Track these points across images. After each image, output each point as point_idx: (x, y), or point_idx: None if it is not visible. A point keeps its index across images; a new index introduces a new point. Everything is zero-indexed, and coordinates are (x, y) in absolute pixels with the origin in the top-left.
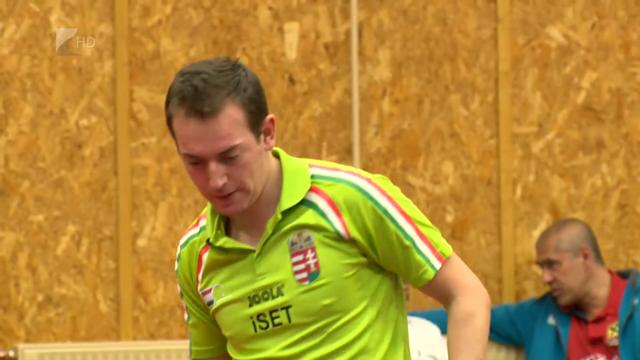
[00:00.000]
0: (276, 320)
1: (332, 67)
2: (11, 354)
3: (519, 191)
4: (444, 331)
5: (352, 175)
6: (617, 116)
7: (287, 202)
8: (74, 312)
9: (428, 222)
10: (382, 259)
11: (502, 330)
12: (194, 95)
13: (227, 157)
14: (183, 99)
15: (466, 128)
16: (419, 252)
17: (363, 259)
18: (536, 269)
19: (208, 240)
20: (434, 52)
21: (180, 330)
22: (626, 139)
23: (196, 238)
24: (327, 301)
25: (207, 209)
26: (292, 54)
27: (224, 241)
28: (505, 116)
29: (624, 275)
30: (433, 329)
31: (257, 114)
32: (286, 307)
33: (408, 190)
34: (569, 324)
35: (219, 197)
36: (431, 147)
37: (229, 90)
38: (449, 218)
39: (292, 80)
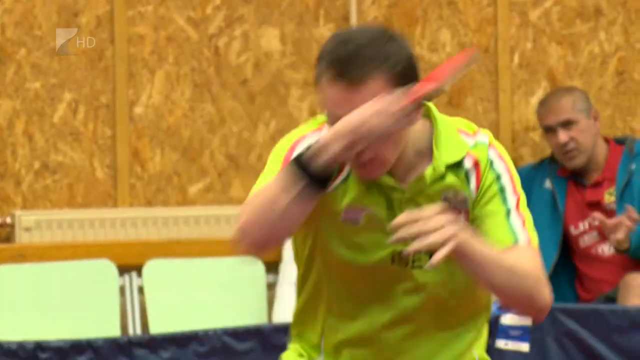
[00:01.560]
0: (416, 263)
1: None
2: (8, 220)
3: (516, 59)
4: None
5: (485, 139)
6: None
7: (447, 157)
8: (70, 179)
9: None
10: (471, 218)
11: None
12: (343, 62)
13: None
14: (332, 63)
15: None
16: (509, 221)
17: None
18: (533, 136)
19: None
20: None
21: (176, 198)
22: (624, 6)
23: None
24: None
25: None
26: None
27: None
28: None
29: (620, 141)
30: None
31: (407, 80)
32: (431, 255)
33: None
34: (566, 188)
35: (360, 164)
36: (428, 15)
37: (378, 63)
38: (446, 86)
39: None
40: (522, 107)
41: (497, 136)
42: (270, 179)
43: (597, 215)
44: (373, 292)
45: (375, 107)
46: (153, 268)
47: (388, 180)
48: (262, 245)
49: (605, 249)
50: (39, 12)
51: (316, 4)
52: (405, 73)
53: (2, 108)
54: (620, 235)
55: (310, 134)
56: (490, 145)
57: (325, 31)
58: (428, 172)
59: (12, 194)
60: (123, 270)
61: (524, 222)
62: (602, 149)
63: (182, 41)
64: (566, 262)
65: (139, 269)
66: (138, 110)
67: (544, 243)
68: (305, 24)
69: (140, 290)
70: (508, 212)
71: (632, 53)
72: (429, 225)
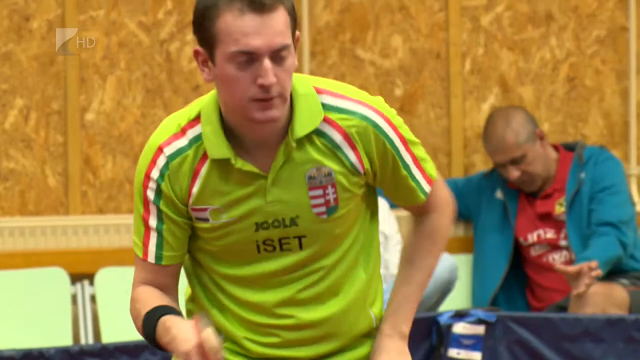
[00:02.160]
0: (285, 247)
1: None
2: None
3: (468, 64)
4: (391, 206)
5: (363, 106)
6: None
7: (300, 130)
8: (22, 187)
9: (417, 141)
10: (378, 183)
11: None
12: None
13: (278, 56)
14: None
15: (415, 1)
16: (414, 179)
17: (364, 188)
18: None
19: (212, 158)
20: None
21: (129, 205)
22: (575, 11)
23: (189, 152)
24: (339, 230)
25: (204, 124)
26: None
27: (242, 163)
28: None
29: (570, 147)
30: (382, 204)
31: (295, 24)
32: (300, 237)
33: (357, 64)
34: (517, 199)
35: (262, 100)
36: (380, 20)
37: None
38: (398, 92)
39: None
40: (474, 113)
41: (448, 143)
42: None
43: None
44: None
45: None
46: (105, 276)
47: (251, 168)
48: None
49: (556, 258)
50: None
51: None
52: (294, 9)
53: None
54: (581, 288)
55: (171, 140)
56: (369, 113)
57: None
58: (280, 151)
59: None
60: (75, 278)
61: (423, 172)
62: (552, 160)
63: (134, 46)
64: (517, 271)
65: (91, 278)
66: (90, 116)
67: (495, 252)
68: None
69: (93, 298)
70: (409, 172)
71: (583, 59)
72: None
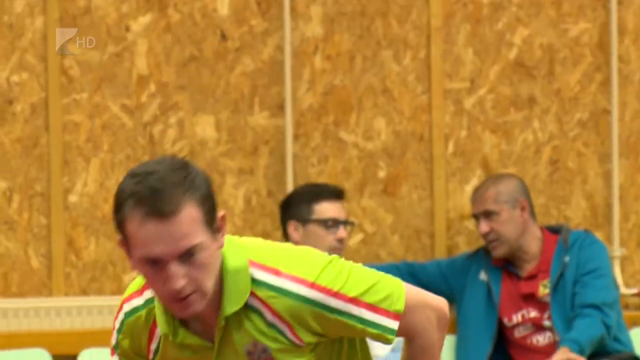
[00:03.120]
0: None
1: (263, 23)
2: None
3: (451, 147)
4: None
5: (296, 283)
6: (549, 72)
7: (228, 308)
8: (5, 268)
9: (370, 284)
10: (338, 339)
11: (433, 286)
12: (151, 197)
13: (187, 257)
14: (140, 201)
15: (398, 84)
16: (374, 326)
17: (317, 346)
18: (468, 224)
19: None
20: (366, 8)
21: (112, 286)
22: (557, 94)
23: (142, 312)
24: None
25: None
26: (223, 9)
27: (183, 336)
28: (437, 72)
29: (554, 230)
30: None
31: (211, 211)
32: None
33: (340, 146)
34: (501, 280)
35: (178, 300)
36: (363, 103)
37: (185, 189)
38: (381, 174)
39: (223, 36)
40: (457, 195)
41: (432, 224)
42: None
43: None
44: None
45: None
46: (88, 357)
47: (195, 340)
48: None
49: (540, 339)
50: None
51: (251, 92)
52: (209, 195)
53: None
54: None
55: (131, 298)
56: (305, 290)
57: (260, 119)
58: (217, 331)
59: None
60: (58, 359)
61: (383, 312)
62: (535, 239)
63: (117, 128)
64: (501, 352)
65: (74, 358)
66: (73, 198)
67: (478, 334)
68: (240, 111)
69: None
70: (366, 324)
71: (565, 142)
72: None
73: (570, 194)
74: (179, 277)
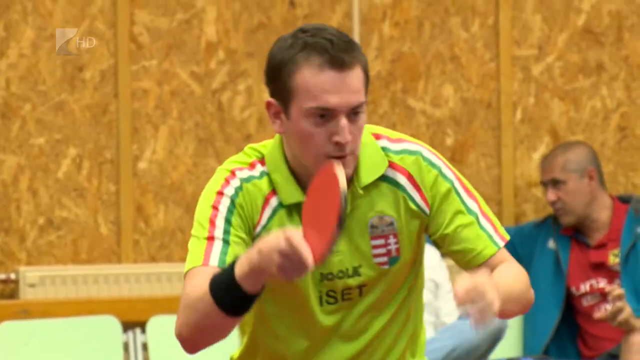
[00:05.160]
0: (346, 297)
1: None
2: (12, 276)
3: (519, 114)
4: (442, 255)
5: (419, 146)
6: (617, 39)
7: (365, 178)
8: (74, 235)
9: (486, 205)
10: (439, 234)
11: None
12: (331, 47)
13: (353, 115)
14: (318, 50)
15: (466, 51)
16: (482, 227)
17: (421, 234)
18: (536, 192)
19: (284, 204)
20: None
21: (180, 254)
22: (626, 61)
23: (259, 180)
24: (400, 278)
25: (271, 171)
26: None
27: None
28: (505, 39)
29: (624, 200)
30: (433, 253)
31: (368, 81)
32: (361, 286)
33: (408, 113)
34: (569, 248)
35: (337, 157)
36: (431, 70)
37: (359, 50)
38: (449, 141)
39: (292, 4)
40: (525, 162)
41: (499, 192)
42: (202, 280)
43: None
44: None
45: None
46: (157, 324)
47: None
48: (202, 347)
49: (608, 309)
50: (44, 67)
51: None
52: (367, 65)
53: (7, 164)
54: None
55: (242, 169)
56: (423, 150)
57: None
58: (353, 193)
59: (16, 250)
60: (127, 326)
61: (492, 223)
62: (604, 208)
63: (186, 96)
64: (569, 320)
65: (143, 325)
66: (142, 165)
67: (546, 303)
68: None
69: (144, 346)
70: (477, 220)
71: (634, 109)
72: (487, 299)
73: (639, 161)
74: (348, 131)
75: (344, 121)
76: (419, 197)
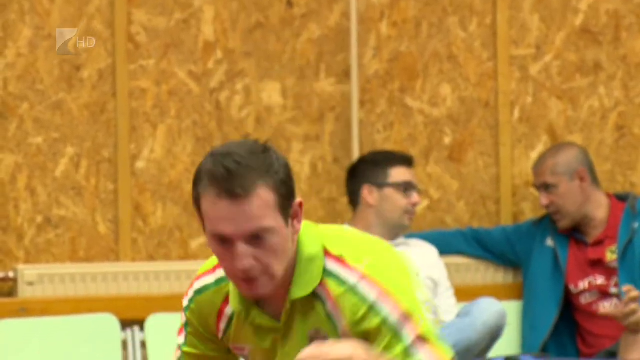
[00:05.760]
0: None
1: None
2: (11, 274)
3: (516, 113)
4: (441, 252)
5: (365, 282)
6: (615, 38)
7: (296, 292)
8: (73, 234)
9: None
10: None
11: (499, 252)
12: (226, 177)
13: (255, 239)
14: (215, 180)
15: (464, 50)
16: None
17: None
18: (534, 191)
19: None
20: None
21: (178, 252)
22: (624, 60)
23: (212, 290)
24: None
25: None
26: None
27: (255, 316)
28: (503, 38)
29: (621, 198)
30: (431, 251)
31: (287, 197)
32: None
33: (406, 112)
34: (568, 246)
35: (244, 280)
36: (429, 69)
37: (261, 173)
38: (447, 140)
39: (290, 3)
40: (523, 161)
41: (497, 191)
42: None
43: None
44: None
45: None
46: (155, 322)
47: (265, 321)
48: None
49: (607, 306)
50: (41, 66)
51: (317, 58)
52: (286, 181)
53: (5, 163)
54: (635, 318)
55: (203, 276)
56: (360, 280)
57: (326, 85)
58: (284, 314)
59: (14, 248)
60: (125, 324)
61: (423, 346)
62: (600, 206)
63: (184, 95)
64: (567, 318)
65: (141, 324)
66: (140, 164)
67: (545, 300)
68: (307, 78)
69: (143, 344)
70: (407, 349)
71: (631, 108)
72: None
73: (637, 160)
74: (245, 257)
75: (241, 248)
76: (340, 327)
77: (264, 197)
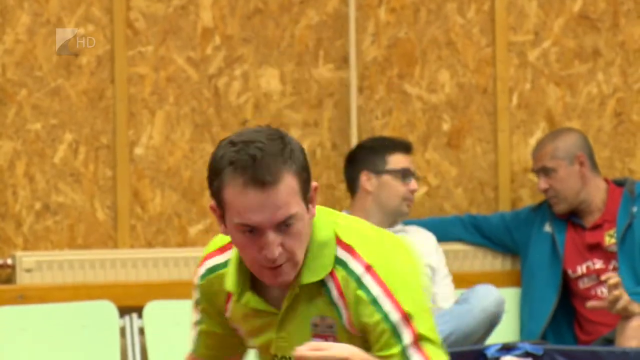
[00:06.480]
0: None
1: None
2: (9, 261)
3: (515, 99)
4: (439, 239)
5: (370, 276)
6: (613, 24)
7: (306, 278)
8: (71, 220)
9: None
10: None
11: (498, 239)
12: (252, 165)
13: (283, 226)
14: (240, 169)
15: (462, 36)
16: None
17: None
18: (532, 177)
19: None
20: None
21: (177, 239)
22: (622, 47)
23: (224, 270)
24: None
25: (233, 252)
26: None
27: (248, 299)
28: (502, 24)
29: (619, 183)
30: (429, 237)
31: (307, 182)
32: None
33: (404, 98)
34: (565, 231)
35: (270, 268)
36: (427, 55)
37: (285, 159)
38: (445, 126)
39: None
40: (521, 147)
41: (495, 177)
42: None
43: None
44: None
45: None
46: (154, 309)
47: (259, 305)
48: None
49: (605, 291)
50: (40, 52)
51: (316, 45)
52: (305, 166)
53: (3, 149)
54: (621, 304)
55: (213, 255)
56: (365, 273)
57: (324, 71)
58: (290, 292)
59: (12, 235)
60: (123, 311)
61: (420, 350)
62: (598, 191)
63: (182, 81)
64: (565, 304)
65: (139, 311)
66: (138, 151)
67: (543, 286)
68: (305, 64)
69: (141, 331)
70: (403, 351)
71: (630, 94)
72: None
73: (635, 146)
74: (275, 245)
75: (270, 236)
76: (345, 317)
77: (290, 183)
